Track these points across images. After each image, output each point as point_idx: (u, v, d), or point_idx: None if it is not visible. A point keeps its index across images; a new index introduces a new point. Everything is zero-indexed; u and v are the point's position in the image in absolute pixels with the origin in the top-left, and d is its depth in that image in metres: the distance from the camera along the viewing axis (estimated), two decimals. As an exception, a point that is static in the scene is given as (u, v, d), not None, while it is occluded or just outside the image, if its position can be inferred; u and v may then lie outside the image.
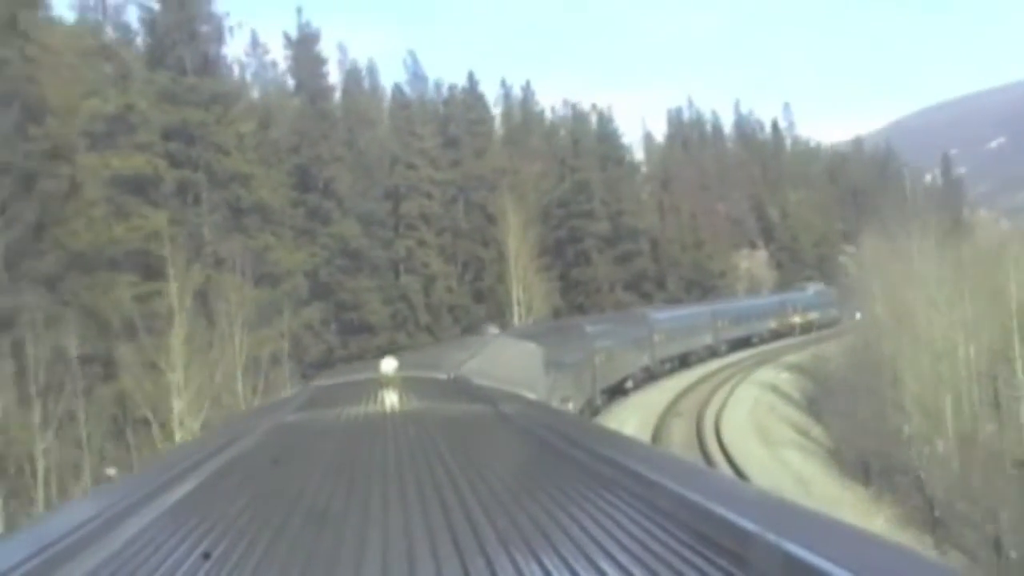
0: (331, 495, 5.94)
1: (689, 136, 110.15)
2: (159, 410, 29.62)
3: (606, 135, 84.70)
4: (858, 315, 61.87)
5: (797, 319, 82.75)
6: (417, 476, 6.26)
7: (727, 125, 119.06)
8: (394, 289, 53.24)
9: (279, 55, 58.73)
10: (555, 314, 65.83)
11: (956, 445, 33.59)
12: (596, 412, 42.10)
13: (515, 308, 55.85)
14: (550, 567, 3.78)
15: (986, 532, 28.23)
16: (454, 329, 55.74)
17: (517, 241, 57.10)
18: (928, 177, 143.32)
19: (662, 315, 62.27)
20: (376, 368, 12.98)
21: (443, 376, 14.49)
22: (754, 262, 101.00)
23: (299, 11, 56.83)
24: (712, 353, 68.95)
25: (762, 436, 41.75)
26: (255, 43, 61.54)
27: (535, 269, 60.96)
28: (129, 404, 32.91)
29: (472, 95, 69.98)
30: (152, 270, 37.18)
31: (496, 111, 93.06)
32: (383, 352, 30.61)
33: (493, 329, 46.40)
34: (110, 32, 42.11)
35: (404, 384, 12.13)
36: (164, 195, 39.29)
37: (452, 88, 71.60)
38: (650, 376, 56.18)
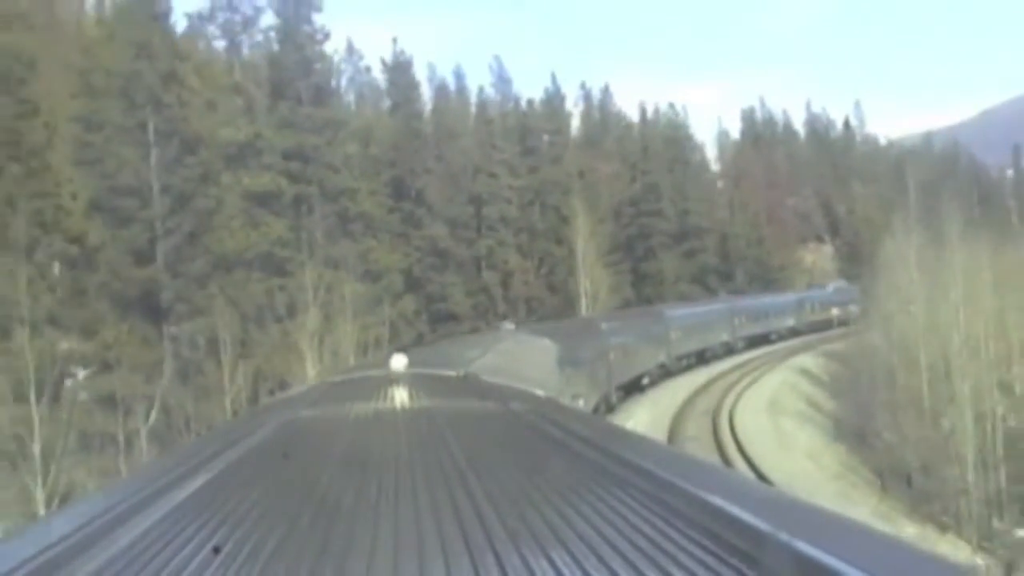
0: (341, 491, 5.95)
1: (761, 134, 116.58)
2: (293, 381, 37.77)
3: (675, 139, 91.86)
4: (853, 308, 66.91)
5: (835, 312, 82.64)
6: (427, 473, 6.27)
7: (799, 123, 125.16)
8: (476, 283, 61.60)
9: (373, 61, 67.85)
10: (625, 304, 73.32)
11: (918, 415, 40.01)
12: (612, 408, 42.96)
13: (582, 299, 63.81)
14: (560, 565, 3.77)
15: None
16: (530, 317, 63.68)
17: (585, 240, 64.88)
18: (1010, 172, 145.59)
19: (679, 312, 63.06)
20: (387, 365, 13.17)
21: (454, 373, 14.39)
22: (819, 256, 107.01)
23: (395, 40, 65.83)
24: (729, 350, 69.71)
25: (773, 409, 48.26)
26: (351, 49, 70.79)
27: (602, 264, 68.71)
28: (260, 377, 41.39)
29: (550, 106, 78.20)
30: (277, 269, 46.13)
31: (576, 110, 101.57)
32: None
33: (509, 325, 48.96)
34: (238, 71, 51.16)
35: (415, 381, 12.03)
36: (284, 207, 48.18)
37: (531, 102, 79.97)
38: (667, 373, 56.87)
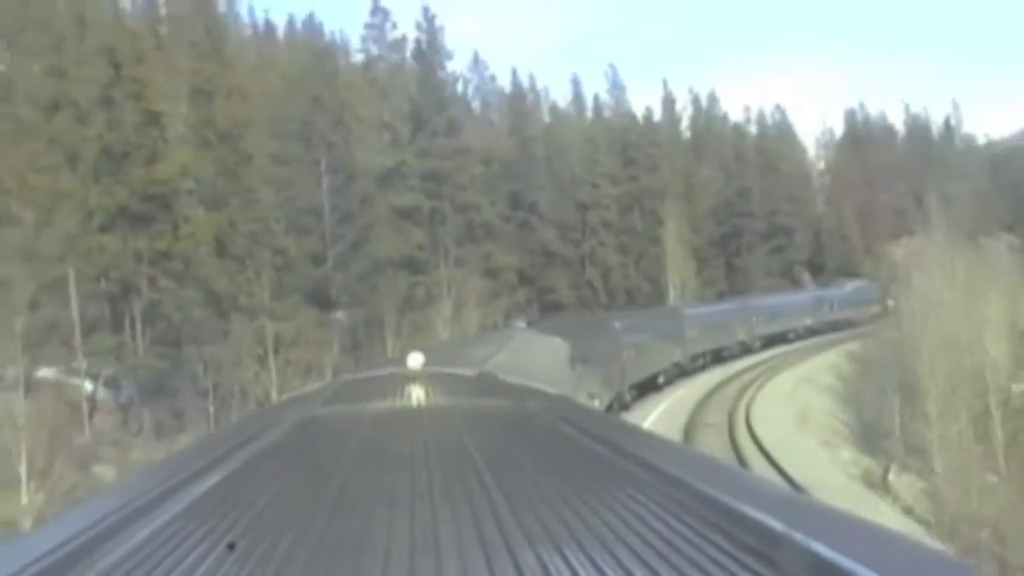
0: (357, 488, 5.96)
1: (860, 134, 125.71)
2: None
3: (778, 140, 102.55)
4: (872, 307, 71.45)
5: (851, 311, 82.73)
6: (443, 471, 6.25)
7: (898, 120, 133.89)
8: (580, 278, 74.18)
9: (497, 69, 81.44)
10: (720, 296, 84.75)
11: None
12: (626, 407, 43.11)
13: (670, 291, 75.78)
14: (575, 564, 3.81)
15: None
16: (630, 305, 75.97)
17: (673, 239, 76.80)
18: None
19: (694, 311, 63.79)
20: (403, 363, 13.32)
21: (470, 372, 14.51)
22: (910, 250, 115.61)
23: (514, 71, 79.06)
24: (746, 349, 70.17)
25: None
26: (476, 60, 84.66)
27: (696, 260, 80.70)
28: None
29: (650, 124, 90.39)
30: (417, 268, 59.57)
31: (685, 113, 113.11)
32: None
33: (520, 324, 52.43)
34: (387, 112, 64.94)
35: (431, 379, 12.12)
36: (423, 219, 61.66)
37: (648, 110, 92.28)
38: (682, 372, 57.36)
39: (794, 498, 5.81)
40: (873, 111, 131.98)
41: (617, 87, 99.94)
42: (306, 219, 53.79)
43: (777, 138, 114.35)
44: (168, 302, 50.39)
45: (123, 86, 51.87)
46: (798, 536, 3.69)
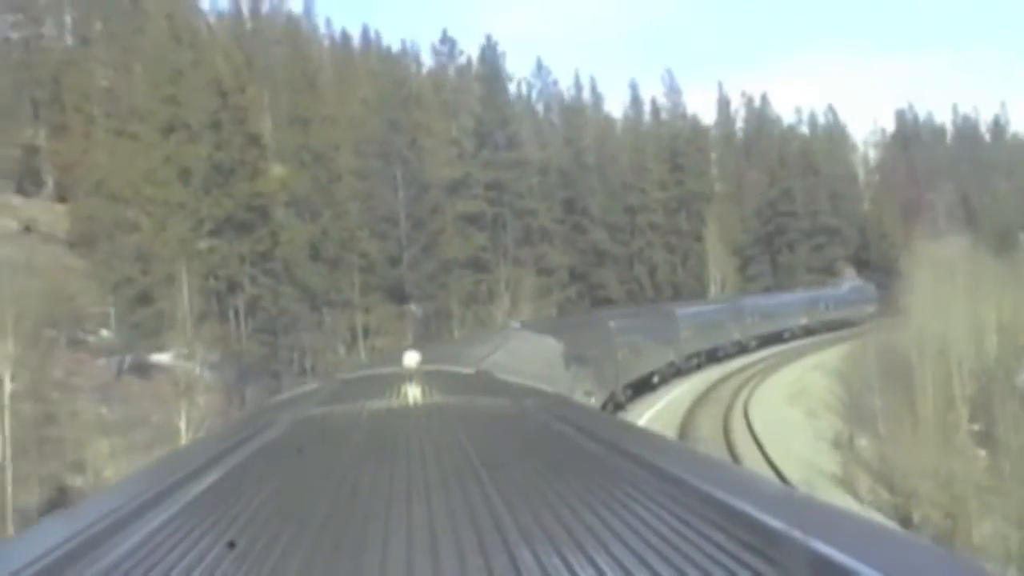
0: (355, 487, 6.04)
1: (909, 134, 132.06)
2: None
3: (808, 149, 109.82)
4: (869, 308, 74.95)
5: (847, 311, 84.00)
6: (440, 469, 6.35)
7: (946, 118, 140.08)
8: (629, 274, 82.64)
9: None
10: (765, 290, 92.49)
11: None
12: (620, 407, 43.49)
13: (712, 287, 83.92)
14: (573, 562, 3.86)
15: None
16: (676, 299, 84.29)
17: (715, 239, 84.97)
18: None
19: (688, 310, 64.54)
20: (399, 362, 13.30)
21: (466, 370, 14.39)
22: (953, 247, 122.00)
23: (576, 76, 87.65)
24: (742, 349, 71.12)
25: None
26: (539, 67, 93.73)
27: (733, 258, 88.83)
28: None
29: (696, 130, 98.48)
30: (480, 268, 68.53)
31: (738, 115, 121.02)
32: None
33: (515, 323, 53.47)
34: (455, 129, 74.10)
35: (428, 378, 12.12)
36: (486, 224, 70.60)
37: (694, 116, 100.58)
38: (677, 372, 58.10)
39: (793, 495, 5.85)
40: (925, 110, 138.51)
41: (674, 90, 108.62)
42: (385, 226, 63.08)
43: (827, 139, 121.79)
44: (267, 297, 59.88)
45: (229, 112, 61.47)
46: (797, 534, 3.73)
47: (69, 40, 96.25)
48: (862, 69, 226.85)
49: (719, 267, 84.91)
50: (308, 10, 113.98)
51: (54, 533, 4.89)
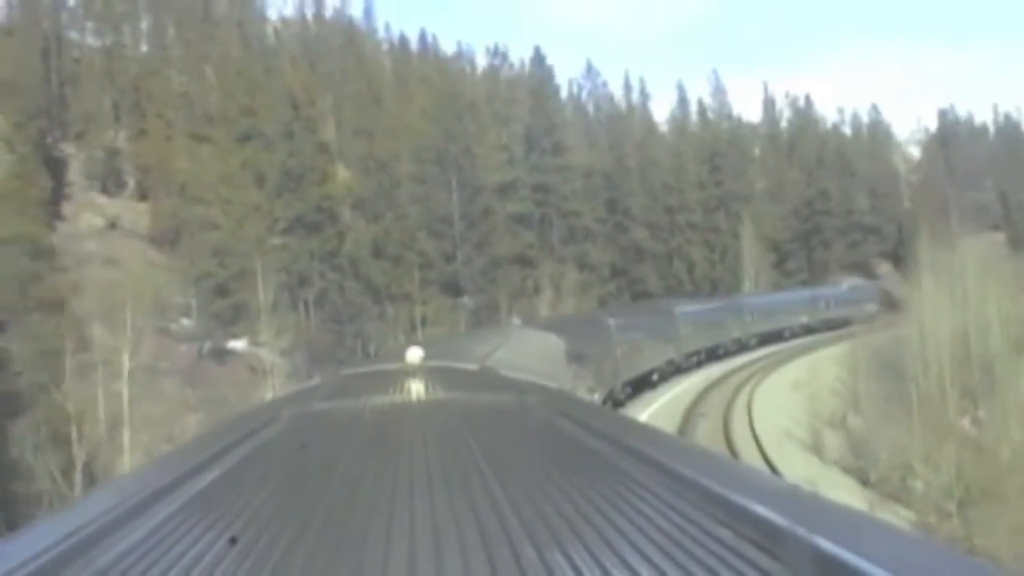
0: (357, 483, 6.11)
1: (950, 133, 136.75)
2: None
3: (843, 151, 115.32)
4: (870, 307, 78.43)
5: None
6: (444, 465, 6.45)
7: (989, 121, 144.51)
8: (668, 270, 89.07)
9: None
10: (803, 284, 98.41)
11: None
12: (619, 404, 43.69)
13: (745, 282, 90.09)
14: (576, 559, 3.90)
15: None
16: (712, 293, 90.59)
17: (751, 236, 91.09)
18: None
19: (688, 308, 64.92)
20: (402, 358, 13.46)
21: (469, 366, 14.47)
22: (989, 244, 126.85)
23: (626, 78, 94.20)
24: (742, 347, 71.32)
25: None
26: (589, 69, 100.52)
27: (769, 254, 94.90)
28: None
29: (735, 133, 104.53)
30: (527, 263, 75.39)
31: (782, 115, 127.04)
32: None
33: (516, 320, 57.36)
34: (505, 136, 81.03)
35: (431, 374, 12.27)
36: (533, 223, 77.39)
37: (738, 117, 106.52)
38: (677, 369, 58.53)
39: (798, 492, 5.54)
40: (967, 109, 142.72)
41: (719, 90, 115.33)
42: (441, 226, 70.21)
43: (869, 138, 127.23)
44: (334, 290, 67.15)
45: (301, 122, 68.87)
46: (802, 531, 3.73)
47: (144, 47, 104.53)
48: (908, 65, 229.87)
49: (754, 263, 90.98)
50: (368, 13, 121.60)
51: (56, 529, 4.91)
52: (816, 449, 38.33)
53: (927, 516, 30.58)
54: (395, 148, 69.12)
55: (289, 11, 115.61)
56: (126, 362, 45.90)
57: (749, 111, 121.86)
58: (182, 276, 68.93)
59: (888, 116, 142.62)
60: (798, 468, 33.49)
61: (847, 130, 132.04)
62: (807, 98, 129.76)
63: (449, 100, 74.27)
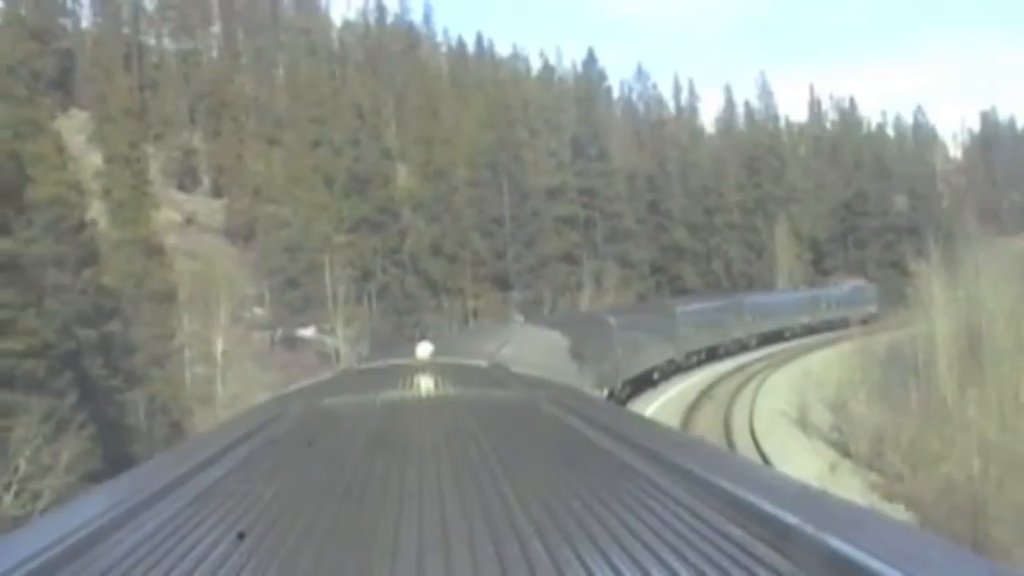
0: (366, 479, 6.18)
1: (991, 135, 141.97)
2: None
3: (879, 153, 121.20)
4: (871, 308, 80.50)
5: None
6: (453, 461, 6.54)
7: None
8: (706, 267, 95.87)
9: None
10: (837, 282, 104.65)
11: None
12: (620, 404, 42.33)
13: (778, 279, 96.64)
14: (586, 556, 3.94)
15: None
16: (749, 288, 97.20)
17: (785, 236, 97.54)
18: None
19: (688, 308, 65.02)
20: (412, 353, 13.64)
21: (479, 362, 14.53)
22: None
23: (675, 80, 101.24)
24: (742, 347, 71.39)
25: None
26: (639, 71, 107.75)
27: (808, 253, 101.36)
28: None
29: (774, 139, 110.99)
30: (572, 261, 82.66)
31: (827, 117, 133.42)
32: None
33: (519, 317, 59.83)
34: (554, 143, 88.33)
35: (441, 370, 12.38)
36: (578, 224, 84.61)
37: (787, 118, 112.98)
38: (677, 369, 58.51)
39: (808, 491, 5.66)
40: (1012, 112, 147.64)
41: (766, 92, 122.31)
42: (492, 226, 77.72)
43: (912, 140, 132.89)
44: (395, 284, 74.79)
45: (366, 131, 76.74)
46: (812, 529, 3.78)
47: (215, 52, 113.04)
48: (954, 65, 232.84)
49: (788, 261, 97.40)
50: (428, 17, 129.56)
51: (63, 524, 4.93)
52: (804, 425, 45.02)
53: (886, 477, 37.28)
54: (452, 156, 76.78)
55: (352, 14, 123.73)
56: (219, 345, 53.60)
57: (796, 111, 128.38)
58: (255, 269, 76.63)
59: (933, 117, 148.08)
60: (789, 443, 40.53)
61: (890, 131, 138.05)
62: (852, 100, 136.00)
63: (502, 110, 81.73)
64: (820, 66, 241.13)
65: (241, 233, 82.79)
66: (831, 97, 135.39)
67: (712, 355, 66.22)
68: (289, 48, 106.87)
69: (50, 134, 48.60)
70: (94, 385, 40.73)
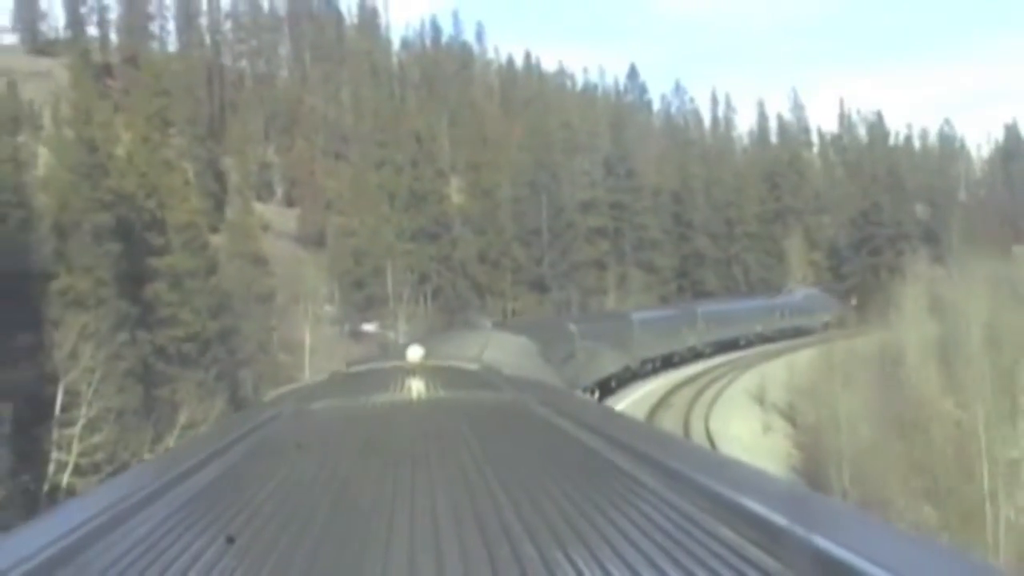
0: (357, 482, 6.30)
1: (1012, 148, 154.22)
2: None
3: (893, 165, 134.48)
4: (826, 316, 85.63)
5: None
6: (444, 464, 6.67)
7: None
8: (727, 273, 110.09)
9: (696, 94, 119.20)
10: (853, 287, 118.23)
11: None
12: None
13: (790, 283, 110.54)
14: (577, 559, 4.03)
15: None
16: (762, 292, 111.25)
17: (799, 244, 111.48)
18: None
19: (644, 315, 66.98)
20: (402, 356, 13.92)
21: (469, 365, 14.87)
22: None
23: (713, 95, 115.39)
24: (696, 355, 72.81)
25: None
26: (677, 87, 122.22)
27: (824, 259, 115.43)
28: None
29: (797, 155, 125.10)
30: (602, 268, 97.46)
31: (857, 128, 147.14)
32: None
33: (485, 322, 60.25)
34: (587, 162, 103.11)
35: (432, 372, 12.73)
36: (608, 235, 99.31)
37: (819, 129, 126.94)
38: (633, 376, 59.96)
39: (797, 492, 5.86)
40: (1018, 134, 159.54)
41: (798, 106, 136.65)
42: (531, 237, 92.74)
43: (938, 150, 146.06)
44: (447, 287, 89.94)
45: (423, 154, 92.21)
46: (801, 530, 3.92)
47: (284, 71, 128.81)
48: (983, 77, 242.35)
49: (801, 268, 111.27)
50: (480, 35, 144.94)
51: (52, 529, 5.01)
52: (762, 402, 58.94)
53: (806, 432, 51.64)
54: (497, 177, 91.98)
55: (410, 33, 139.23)
56: (307, 337, 68.93)
57: (826, 122, 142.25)
58: (326, 271, 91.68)
59: (962, 128, 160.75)
60: (749, 411, 54.81)
61: (916, 143, 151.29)
62: (879, 114, 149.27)
63: (542, 135, 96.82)
64: (852, 71, 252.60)
65: (312, 239, 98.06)
66: (858, 112, 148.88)
67: (667, 363, 67.76)
68: (352, 70, 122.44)
69: (179, 170, 64.20)
70: (221, 364, 56.22)
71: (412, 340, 22.29)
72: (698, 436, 45.36)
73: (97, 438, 39.90)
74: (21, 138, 56.52)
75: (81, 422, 39.79)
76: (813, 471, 45.97)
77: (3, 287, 40.05)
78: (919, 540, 6.14)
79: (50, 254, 45.34)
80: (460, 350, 19.95)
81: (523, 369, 17.70)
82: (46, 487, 39.70)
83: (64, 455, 39.87)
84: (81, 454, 39.93)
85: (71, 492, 37.72)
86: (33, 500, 38.23)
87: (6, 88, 67.57)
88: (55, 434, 40.19)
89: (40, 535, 4.94)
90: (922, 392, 52.48)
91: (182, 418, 46.89)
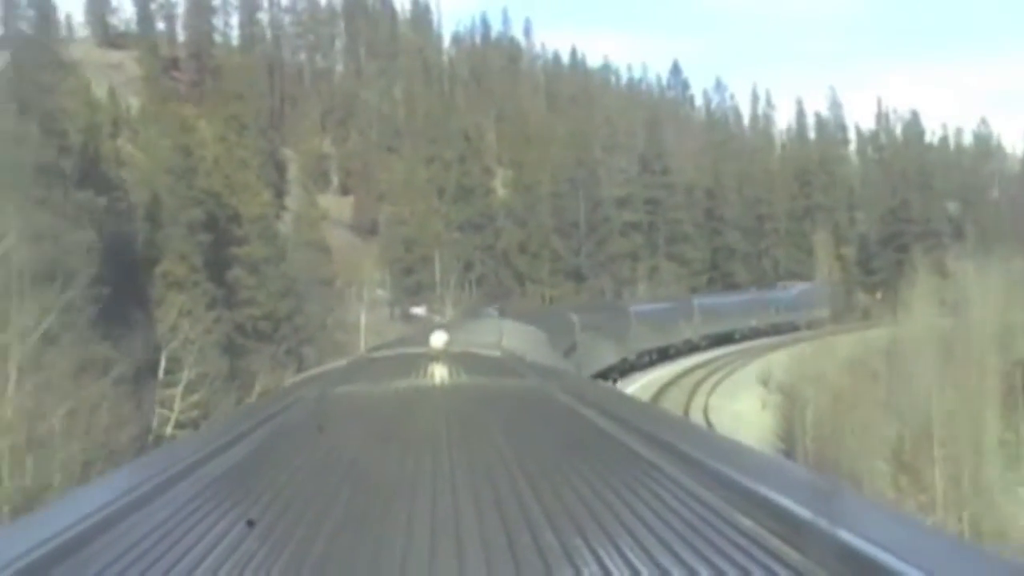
0: (378, 467, 6.38)
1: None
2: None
3: (923, 166, 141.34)
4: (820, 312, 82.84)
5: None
6: (466, 450, 6.80)
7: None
8: (756, 266, 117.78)
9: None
10: (879, 282, 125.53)
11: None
12: None
13: (816, 276, 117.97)
14: (596, 545, 4.09)
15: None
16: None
17: (825, 239, 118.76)
18: None
19: (641, 308, 68.04)
20: (426, 342, 14.10)
21: (492, 352, 15.16)
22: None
23: (753, 92, 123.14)
24: (693, 348, 74.15)
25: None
26: (718, 84, 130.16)
27: (853, 254, 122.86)
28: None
29: (825, 154, 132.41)
30: (635, 259, 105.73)
31: (894, 127, 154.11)
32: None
33: (492, 311, 60.53)
34: (624, 159, 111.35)
35: (455, 359, 12.85)
36: (642, 228, 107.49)
37: (857, 127, 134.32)
38: (631, 368, 60.66)
39: (819, 483, 5.89)
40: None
41: (835, 104, 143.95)
42: (569, 229, 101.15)
43: (972, 150, 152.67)
44: (490, 274, 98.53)
45: (471, 151, 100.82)
46: (824, 522, 3.94)
47: (340, 66, 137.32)
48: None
49: (828, 262, 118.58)
50: (527, 31, 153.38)
51: (74, 510, 5.09)
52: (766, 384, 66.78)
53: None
54: (539, 174, 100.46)
55: (460, 28, 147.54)
56: (363, 319, 77.83)
57: (864, 119, 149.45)
58: (377, 258, 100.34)
59: (998, 127, 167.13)
60: (754, 389, 62.87)
61: (951, 142, 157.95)
62: (915, 112, 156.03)
63: (583, 135, 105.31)
64: (890, 69, 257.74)
65: (366, 228, 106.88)
66: (895, 111, 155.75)
67: (664, 355, 68.73)
68: (405, 65, 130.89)
69: (252, 167, 73.29)
70: (289, 341, 65.27)
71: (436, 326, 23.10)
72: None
73: (195, 397, 48.86)
74: (119, 141, 65.52)
75: (183, 384, 48.78)
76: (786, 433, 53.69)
77: (118, 271, 49.24)
78: (941, 534, 6.42)
79: (151, 243, 54.48)
80: (480, 337, 20.28)
81: (540, 357, 18.04)
82: (150, 438, 48.66)
83: (167, 411, 48.85)
84: (181, 411, 48.87)
85: (174, 441, 46.41)
86: (142, 448, 47.19)
87: (107, 96, 76.29)
88: (158, 394, 49.18)
89: (57, 518, 5.07)
90: (918, 381, 54.40)
91: (258, 386, 55.75)
